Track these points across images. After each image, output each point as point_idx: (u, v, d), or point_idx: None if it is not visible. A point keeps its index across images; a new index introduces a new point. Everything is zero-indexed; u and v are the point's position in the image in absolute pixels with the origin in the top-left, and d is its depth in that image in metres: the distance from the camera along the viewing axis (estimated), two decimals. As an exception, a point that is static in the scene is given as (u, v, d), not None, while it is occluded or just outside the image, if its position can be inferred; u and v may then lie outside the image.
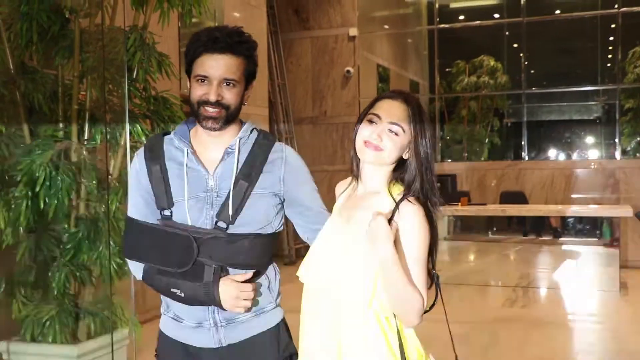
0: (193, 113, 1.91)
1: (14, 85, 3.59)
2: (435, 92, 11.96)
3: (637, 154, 10.77)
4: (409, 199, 1.75)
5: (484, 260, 8.87)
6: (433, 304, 1.82)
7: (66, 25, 3.65)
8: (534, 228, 10.06)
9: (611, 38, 11.20)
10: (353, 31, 9.79)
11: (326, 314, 1.81)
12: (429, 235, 1.75)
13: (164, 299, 2.00)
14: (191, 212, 1.88)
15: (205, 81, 1.87)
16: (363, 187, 1.87)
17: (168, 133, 2.01)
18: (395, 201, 1.76)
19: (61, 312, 3.57)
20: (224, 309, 1.89)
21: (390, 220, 1.72)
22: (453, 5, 11.92)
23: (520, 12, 10.37)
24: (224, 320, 1.94)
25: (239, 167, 1.92)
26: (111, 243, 3.56)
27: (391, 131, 1.78)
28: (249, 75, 1.93)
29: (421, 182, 1.79)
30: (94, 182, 3.64)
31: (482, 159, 12.73)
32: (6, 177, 3.59)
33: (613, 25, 10.60)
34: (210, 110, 1.86)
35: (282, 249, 9.13)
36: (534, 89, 12.23)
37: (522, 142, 10.90)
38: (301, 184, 2.03)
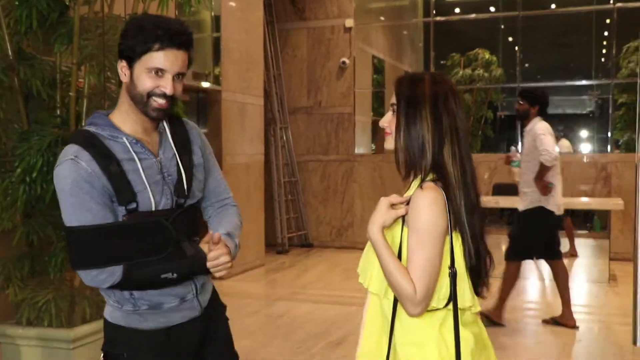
0: (137, 101, 1.90)
1: (12, 72, 3.61)
2: (430, 85, 11.96)
3: (629, 148, 10.84)
4: (422, 185, 1.70)
5: (475, 252, 8.91)
6: (447, 303, 1.78)
7: (65, 12, 3.67)
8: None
9: (606, 33, 11.25)
10: (349, 22, 9.81)
11: (370, 306, 1.87)
12: (437, 223, 1.69)
13: (127, 298, 1.95)
14: (155, 197, 1.92)
15: (160, 74, 1.87)
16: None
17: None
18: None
19: (57, 296, 3.60)
20: (209, 274, 1.99)
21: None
22: (449, -2, 11.96)
23: (516, 6, 10.39)
24: (201, 287, 2.06)
25: (174, 144, 2.02)
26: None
27: (393, 112, 1.80)
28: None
29: (411, 163, 1.75)
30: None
31: (475, 151, 12.79)
32: (4, 163, 3.62)
33: (608, 21, 10.64)
34: (163, 103, 1.90)
35: (275, 238, 9.14)
36: (528, 82, 12.28)
37: (516, 135, 10.95)
38: (210, 153, 2.18)
